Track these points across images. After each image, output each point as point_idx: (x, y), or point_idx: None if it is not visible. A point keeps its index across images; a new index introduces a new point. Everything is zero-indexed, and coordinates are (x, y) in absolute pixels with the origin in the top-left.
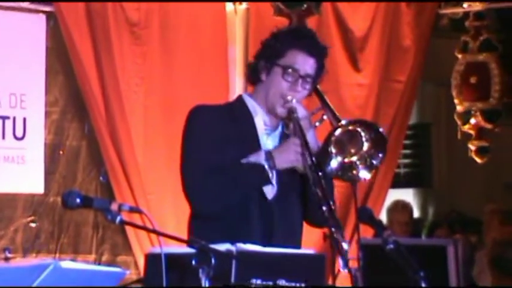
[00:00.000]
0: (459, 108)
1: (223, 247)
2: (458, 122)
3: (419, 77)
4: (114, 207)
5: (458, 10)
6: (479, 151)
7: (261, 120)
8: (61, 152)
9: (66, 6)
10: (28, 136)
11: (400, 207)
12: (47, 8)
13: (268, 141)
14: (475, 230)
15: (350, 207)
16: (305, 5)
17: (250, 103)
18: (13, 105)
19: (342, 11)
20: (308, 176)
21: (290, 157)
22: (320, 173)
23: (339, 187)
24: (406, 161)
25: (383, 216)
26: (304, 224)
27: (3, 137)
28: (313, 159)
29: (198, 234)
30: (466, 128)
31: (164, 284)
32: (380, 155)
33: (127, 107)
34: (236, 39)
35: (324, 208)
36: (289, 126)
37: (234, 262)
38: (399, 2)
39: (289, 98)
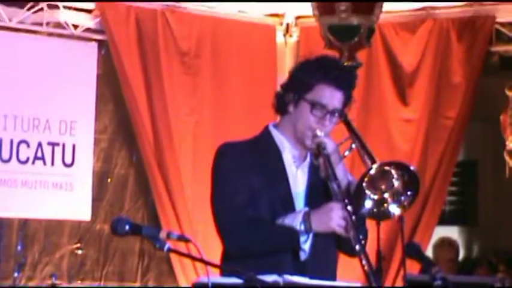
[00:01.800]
0: (511, 145)
1: (270, 278)
2: (509, 160)
3: (468, 114)
4: (162, 235)
5: (510, 48)
6: None
7: (289, 154)
8: (109, 180)
9: (118, 34)
10: (77, 163)
11: (447, 244)
12: (99, 37)
13: (298, 173)
14: None
15: (396, 243)
16: (356, 38)
17: (277, 137)
18: (63, 132)
19: (392, 45)
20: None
21: (329, 223)
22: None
23: (386, 223)
24: (452, 198)
25: (429, 253)
26: (347, 258)
27: (53, 164)
28: (354, 224)
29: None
30: None
31: None
32: (409, 192)
33: (176, 136)
34: (285, 71)
35: (358, 247)
36: (318, 159)
37: None
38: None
39: (317, 132)
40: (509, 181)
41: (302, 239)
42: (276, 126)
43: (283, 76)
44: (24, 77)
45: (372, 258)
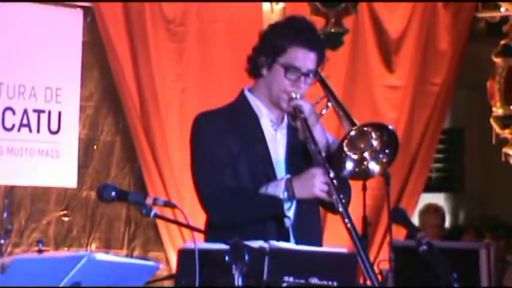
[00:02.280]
0: (499, 112)
1: (256, 244)
2: (496, 126)
3: (455, 80)
4: (148, 201)
5: (496, 14)
6: None
7: (266, 119)
8: (95, 147)
9: (103, 1)
10: (63, 130)
11: (433, 210)
12: (84, 3)
13: (278, 136)
14: (504, 235)
15: (382, 209)
16: (342, 5)
17: (253, 101)
18: (48, 99)
19: (378, 12)
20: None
21: (310, 189)
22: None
23: (371, 189)
24: (438, 165)
25: (415, 220)
26: (334, 224)
27: (38, 131)
28: (336, 191)
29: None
30: (506, 132)
31: (197, 280)
32: (387, 151)
33: (162, 103)
34: None
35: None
36: (296, 122)
37: (267, 259)
38: (436, 1)
39: (293, 94)
40: (495, 148)
41: (286, 206)
42: (251, 90)
43: None
44: (9, 44)
45: (358, 224)
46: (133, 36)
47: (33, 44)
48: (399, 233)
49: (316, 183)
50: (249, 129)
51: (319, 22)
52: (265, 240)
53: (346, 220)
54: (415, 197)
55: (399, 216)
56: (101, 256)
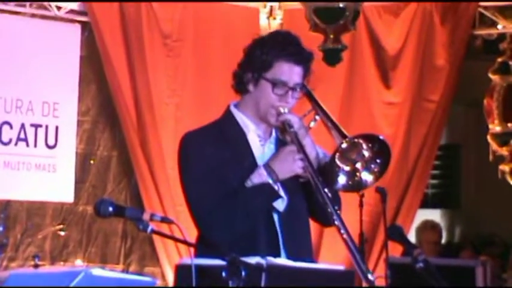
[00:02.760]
0: (497, 129)
1: (253, 260)
2: (493, 144)
3: (451, 97)
4: (145, 217)
5: (493, 31)
6: None
7: (254, 135)
8: (92, 162)
9: (101, 17)
10: (60, 145)
11: (430, 227)
12: (83, 18)
13: (265, 150)
14: (499, 252)
15: (379, 225)
16: (341, 21)
17: (240, 117)
18: (46, 114)
19: (376, 28)
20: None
21: (290, 166)
22: (320, 179)
23: (368, 206)
24: (435, 181)
25: (411, 237)
26: (330, 240)
27: (35, 145)
28: (313, 166)
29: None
30: (504, 149)
31: None
32: (378, 160)
33: (158, 118)
34: None
35: (329, 210)
36: (285, 136)
37: (264, 275)
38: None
39: (281, 109)
40: (491, 165)
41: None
42: (237, 105)
43: None
44: (7, 58)
45: (355, 240)
46: (130, 51)
47: (31, 59)
48: (396, 250)
49: (294, 158)
50: (236, 145)
51: (318, 38)
52: (263, 256)
53: (342, 231)
54: (411, 214)
55: (395, 233)
56: (98, 271)
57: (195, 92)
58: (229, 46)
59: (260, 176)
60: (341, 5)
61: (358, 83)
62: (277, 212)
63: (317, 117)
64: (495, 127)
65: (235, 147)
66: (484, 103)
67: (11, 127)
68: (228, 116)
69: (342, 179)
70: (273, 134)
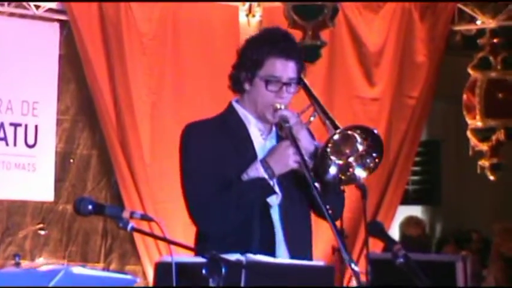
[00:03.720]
0: (478, 124)
1: (233, 257)
2: (473, 139)
3: (432, 93)
4: (125, 214)
5: (472, 27)
6: (493, 168)
7: (255, 128)
8: (71, 161)
9: (80, 15)
10: (39, 144)
11: (414, 222)
12: (61, 17)
13: (267, 144)
14: (479, 248)
15: (360, 222)
16: (320, 18)
17: (242, 112)
18: (25, 113)
19: (356, 25)
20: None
21: (286, 162)
22: (312, 175)
23: (349, 201)
24: (415, 177)
25: (393, 232)
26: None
27: (15, 144)
28: (306, 161)
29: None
30: (484, 144)
31: None
32: (374, 154)
33: (138, 117)
34: None
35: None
36: (282, 131)
37: (243, 272)
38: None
39: (277, 105)
40: (471, 161)
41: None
42: (238, 101)
43: None
44: None
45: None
46: (109, 50)
47: (10, 58)
48: (377, 246)
49: (290, 154)
50: (238, 138)
51: (296, 35)
52: (242, 253)
53: (333, 228)
54: (392, 210)
55: (376, 230)
56: (78, 270)
57: (172, 90)
58: (209, 44)
59: (256, 171)
60: (319, 2)
61: (338, 79)
62: (278, 206)
63: (315, 113)
64: (476, 122)
65: (236, 140)
66: (463, 98)
67: None
68: (229, 109)
69: (333, 170)
70: (273, 129)
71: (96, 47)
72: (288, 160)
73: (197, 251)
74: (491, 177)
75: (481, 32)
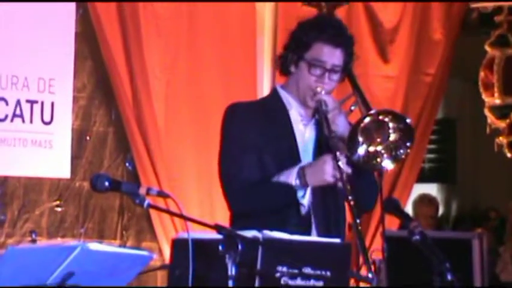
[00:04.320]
0: (497, 102)
1: (250, 234)
2: (491, 116)
3: (448, 70)
4: (142, 191)
5: (488, 4)
6: (511, 145)
7: (295, 112)
8: (88, 138)
9: None
10: (56, 121)
11: (427, 200)
12: None
13: (307, 131)
14: (496, 226)
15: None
16: None
17: (285, 96)
18: (41, 90)
19: (371, 3)
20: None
21: (322, 176)
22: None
23: None
24: (431, 155)
25: (408, 211)
26: None
27: (31, 121)
28: (345, 177)
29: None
30: (502, 122)
31: (190, 269)
32: (407, 145)
33: (153, 94)
34: (265, 30)
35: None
36: (318, 116)
37: (260, 249)
38: None
39: (318, 89)
40: (487, 139)
41: (299, 194)
42: (283, 87)
43: (261, 34)
44: (2, 35)
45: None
46: (126, 30)
47: (26, 35)
48: (392, 223)
49: (327, 168)
50: (278, 121)
51: (311, 13)
52: (259, 230)
53: (358, 241)
54: (408, 188)
55: (392, 207)
56: (95, 246)
57: (187, 69)
58: (224, 25)
59: (289, 176)
60: None
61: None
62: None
63: (359, 102)
64: (494, 100)
65: (277, 124)
66: (480, 76)
67: (7, 103)
68: (273, 94)
69: (361, 151)
70: (316, 117)
71: (112, 25)
72: (324, 175)
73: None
74: (509, 155)
75: (498, 10)
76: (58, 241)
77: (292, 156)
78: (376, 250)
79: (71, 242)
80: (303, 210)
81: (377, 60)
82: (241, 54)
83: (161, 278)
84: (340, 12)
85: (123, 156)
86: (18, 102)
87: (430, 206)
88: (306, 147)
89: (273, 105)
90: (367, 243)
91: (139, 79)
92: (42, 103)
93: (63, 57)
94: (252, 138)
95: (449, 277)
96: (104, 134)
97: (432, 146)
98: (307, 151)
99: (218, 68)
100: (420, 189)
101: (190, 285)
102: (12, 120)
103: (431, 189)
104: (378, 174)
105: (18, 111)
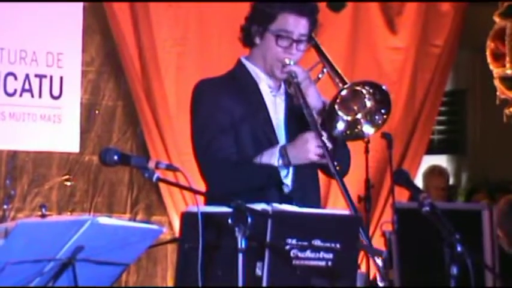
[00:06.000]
0: (508, 72)
1: (259, 207)
2: (501, 87)
3: (457, 41)
4: (151, 165)
5: None
6: None
7: (265, 85)
8: (97, 112)
9: None
10: (64, 95)
11: (437, 172)
12: None
13: (277, 101)
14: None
15: (385, 171)
16: None
17: (251, 68)
18: (50, 64)
19: None
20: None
21: (305, 155)
22: (334, 163)
23: (374, 151)
24: (440, 127)
25: (418, 182)
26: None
27: (40, 96)
28: (330, 154)
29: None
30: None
31: (200, 243)
32: (383, 111)
33: (162, 68)
34: None
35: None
36: (291, 88)
37: (269, 221)
38: None
39: (286, 61)
40: (497, 110)
41: (283, 173)
42: (248, 58)
43: None
44: (10, 9)
45: (361, 186)
46: (134, 1)
47: (34, 9)
48: (402, 195)
49: (310, 147)
50: (249, 95)
51: None
52: (268, 203)
53: (340, 184)
54: (417, 159)
55: (402, 178)
56: (104, 220)
57: (197, 41)
58: None
59: (271, 156)
60: None
61: (363, 29)
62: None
63: (325, 70)
64: (506, 70)
65: (248, 97)
66: (489, 47)
67: (15, 78)
68: (239, 67)
69: (340, 126)
70: (282, 86)
71: None
72: (308, 154)
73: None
74: None
75: None
76: (68, 215)
77: (268, 130)
78: (386, 222)
79: (80, 216)
80: (286, 190)
81: (385, 32)
82: None
83: (171, 251)
84: None
85: (132, 130)
86: (27, 77)
87: (440, 178)
88: (278, 119)
89: (242, 78)
90: (377, 215)
91: (148, 52)
92: (51, 77)
93: (72, 31)
94: (225, 113)
95: (459, 248)
96: (112, 108)
97: (441, 118)
98: (280, 123)
99: (229, 39)
100: (430, 160)
101: (200, 258)
102: (21, 95)
103: (441, 160)
104: (387, 146)
105: (27, 86)
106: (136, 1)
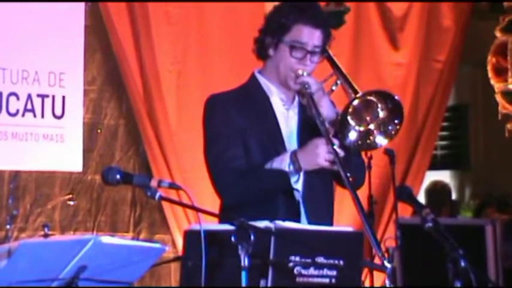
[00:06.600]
0: (510, 87)
1: (262, 224)
2: (504, 102)
3: (458, 56)
4: (153, 183)
5: None
6: None
7: (277, 98)
8: (99, 131)
9: None
10: (67, 114)
11: (439, 187)
12: None
13: (290, 114)
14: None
15: (388, 187)
16: None
17: (264, 82)
18: (52, 84)
19: None
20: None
21: (316, 160)
22: (345, 169)
23: (377, 167)
24: (443, 142)
25: (421, 198)
26: (339, 203)
27: (43, 116)
28: (341, 160)
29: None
30: None
31: (203, 261)
32: (396, 121)
33: (164, 86)
34: None
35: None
36: (304, 99)
37: (272, 239)
38: None
39: (300, 72)
40: (499, 125)
41: (293, 179)
42: (261, 72)
43: None
44: (12, 29)
45: (364, 202)
46: (135, 20)
47: (36, 29)
48: (405, 211)
49: (320, 153)
50: (259, 108)
51: (320, 1)
52: (271, 220)
53: (352, 194)
54: (420, 175)
55: (405, 194)
56: (107, 239)
57: (197, 59)
58: (234, 13)
59: (282, 162)
60: None
61: (364, 45)
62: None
63: (338, 82)
64: (507, 85)
65: (259, 110)
66: (491, 62)
67: (18, 98)
68: (252, 81)
69: (352, 136)
70: (296, 99)
71: (122, 17)
72: (318, 159)
73: (221, 220)
74: None
75: None
76: (71, 235)
77: (276, 140)
78: (390, 238)
79: (83, 235)
80: (297, 196)
81: (387, 48)
82: (250, 43)
83: (175, 269)
84: (350, 2)
85: (134, 148)
86: (29, 97)
87: (442, 193)
88: (290, 131)
89: (254, 91)
90: (380, 231)
91: (150, 71)
92: (53, 97)
93: (73, 51)
94: (235, 127)
95: (462, 264)
96: (115, 127)
97: (444, 133)
98: (292, 135)
99: (229, 58)
100: (433, 176)
101: (203, 276)
102: (23, 115)
103: (444, 176)
104: (389, 161)
105: (29, 106)
106: (135, 7)
